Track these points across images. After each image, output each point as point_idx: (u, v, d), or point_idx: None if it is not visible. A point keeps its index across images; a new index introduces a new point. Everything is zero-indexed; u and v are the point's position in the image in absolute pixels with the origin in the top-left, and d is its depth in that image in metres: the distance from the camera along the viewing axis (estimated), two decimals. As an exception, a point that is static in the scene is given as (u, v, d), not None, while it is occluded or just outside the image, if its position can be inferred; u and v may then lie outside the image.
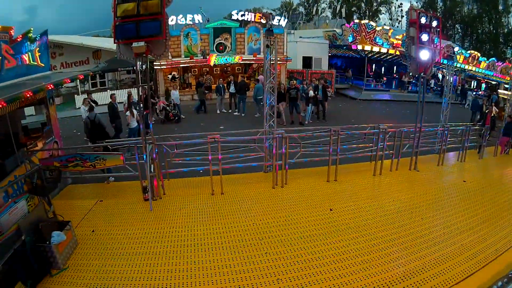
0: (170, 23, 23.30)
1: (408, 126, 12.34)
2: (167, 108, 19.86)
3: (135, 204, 8.89)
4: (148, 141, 8.87)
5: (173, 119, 19.87)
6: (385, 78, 37.88)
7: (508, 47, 61.95)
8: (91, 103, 15.36)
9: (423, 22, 11.03)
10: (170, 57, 25.82)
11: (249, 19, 28.13)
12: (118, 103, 19.01)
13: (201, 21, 27.16)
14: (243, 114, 21.79)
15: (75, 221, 7.58)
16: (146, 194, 8.86)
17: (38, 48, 10.26)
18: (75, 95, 26.34)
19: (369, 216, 8.32)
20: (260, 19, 28.27)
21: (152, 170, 8.84)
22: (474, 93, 33.72)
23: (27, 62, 9.70)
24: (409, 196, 9.75)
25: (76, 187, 10.45)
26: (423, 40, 10.99)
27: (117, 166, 9.33)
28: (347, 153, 11.39)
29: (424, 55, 10.99)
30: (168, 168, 10.13)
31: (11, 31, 8.87)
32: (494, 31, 72.20)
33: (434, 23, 11.33)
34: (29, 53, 9.80)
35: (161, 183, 9.41)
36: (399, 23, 79.78)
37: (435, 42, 11.52)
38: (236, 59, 27.43)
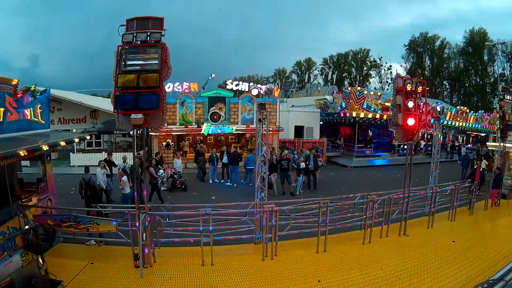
0: (167, 89, 23.84)
1: (397, 192, 12.61)
2: (175, 176, 19.81)
3: (126, 270, 8.95)
4: (141, 210, 9.05)
5: (180, 187, 19.79)
6: (374, 142, 38.57)
7: (495, 97, 63.41)
8: (106, 166, 15.52)
9: (409, 89, 11.52)
10: (166, 125, 26.15)
11: (243, 89, 28.86)
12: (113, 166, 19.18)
13: (196, 90, 27.82)
14: (235, 185, 21.82)
15: (65, 280, 7.62)
16: (137, 261, 8.92)
17: (39, 105, 10.62)
18: (71, 153, 26.85)
19: (356, 286, 8.42)
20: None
21: (144, 238, 8.96)
22: (466, 148, 34.30)
23: (29, 117, 10.03)
24: (397, 263, 9.83)
25: (67, 246, 10.50)
26: (409, 107, 11.44)
27: (109, 232, 9.46)
28: (337, 223, 11.52)
29: (411, 121, 11.42)
30: (159, 237, 10.22)
31: (16, 84, 9.20)
32: (481, 82, 75.47)
33: (420, 88, 11.82)
34: (31, 109, 10.16)
35: (152, 251, 9.49)
36: (388, 86, 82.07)
37: (422, 108, 12.01)
38: (230, 128, 27.85)
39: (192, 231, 10.08)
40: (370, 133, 41.87)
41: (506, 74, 71.79)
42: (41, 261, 7.63)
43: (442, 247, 11.13)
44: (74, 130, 30.16)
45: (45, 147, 9.15)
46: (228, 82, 29.17)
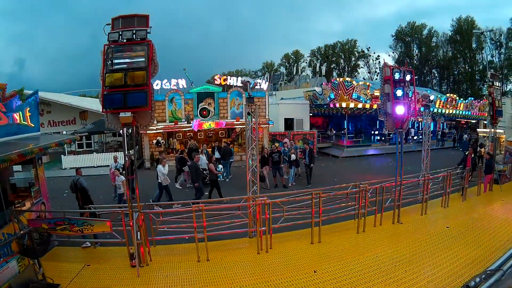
0: (155, 87, 23.68)
1: (389, 181, 12.68)
2: (204, 172, 19.29)
3: (122, 270, 8.92)
4: (135, 208, 9.02)
5: (208, 182, 19.07)
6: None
7: (484, 84, 63.82)
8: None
9: (397, 78, 11.53)
10: (155, 123, 26.09)
11: (232, 84, 28.70)
12: (105, 166, 18.97)
13: (185, 86, 27.71)
14: (227, 179, 21.97)
15: (63, 284, 7.58)
16: (133, 260, 8.91)
17: (28, 108, 10.50)
18: (62, 155, 26.55)
19: (352, 275, 8.47)
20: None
21: (138, 237, 8.93)
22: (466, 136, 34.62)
23: (18, 121, 9.92)
24: (392, 250, 9.92)
25: (63, 249, 10.44)
26: (398, 95, 11.45)
27: (104, 232, 9.38)
28: (330, 214, 11.53)
29: (400, 110, 11.45)
30: (154, 235, 10.19)
31: (4, 89, 9.12)
32: (469, 70, 75.75)
33: (408, 77, 11.79)
34: (20, 112, 10.03)
35: (148, 249, 9.47)
36: (377, 76, 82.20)
37: (410, 96, 11.99)
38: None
39: (186, 227, 10.08)
40: (357, 123, 42.02)
41: (495, 61, 71.95)
42: (37, 265, 7.58)
43: (437, 233, 11.23)
44: (64, 132, 29.92)
45: (36, 150, 9.05)
46: (216, 77, 28.98)
